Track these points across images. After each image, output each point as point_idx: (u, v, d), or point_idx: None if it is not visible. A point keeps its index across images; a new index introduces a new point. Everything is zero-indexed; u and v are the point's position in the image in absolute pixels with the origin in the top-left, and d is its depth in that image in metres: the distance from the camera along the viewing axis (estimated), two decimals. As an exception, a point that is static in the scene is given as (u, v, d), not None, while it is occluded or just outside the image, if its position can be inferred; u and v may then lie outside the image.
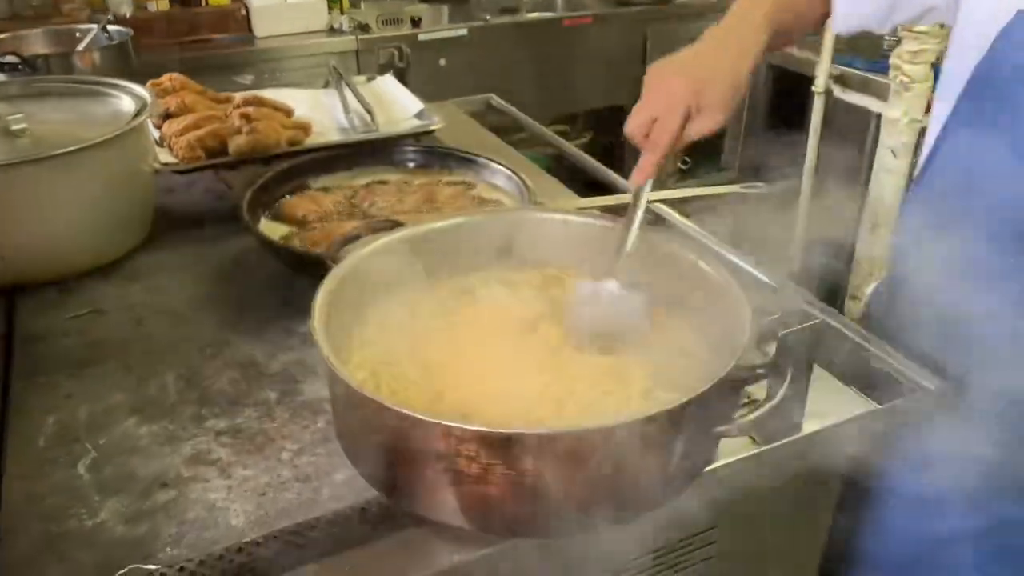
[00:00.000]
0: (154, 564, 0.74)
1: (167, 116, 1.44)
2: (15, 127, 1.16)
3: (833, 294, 2.58)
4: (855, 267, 2.20)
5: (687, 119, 0.89)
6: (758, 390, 0.83)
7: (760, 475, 0.89)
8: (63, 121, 1.24)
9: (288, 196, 1.31)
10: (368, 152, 1.43)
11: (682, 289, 0.92)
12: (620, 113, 2.88)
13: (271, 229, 1.22)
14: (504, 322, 0.91)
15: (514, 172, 1.32)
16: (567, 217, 1.03)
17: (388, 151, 1.44)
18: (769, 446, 0.88)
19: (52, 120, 1.23)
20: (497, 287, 0.97)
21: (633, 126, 0.90)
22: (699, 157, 3.97)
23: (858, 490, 1.07)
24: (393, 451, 0.75)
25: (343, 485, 0.82)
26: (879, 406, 0.94)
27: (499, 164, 1.36)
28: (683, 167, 3.96)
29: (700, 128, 0.90)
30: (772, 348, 0.82)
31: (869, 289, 2.10)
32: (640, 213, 0.90)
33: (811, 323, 0.81)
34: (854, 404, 0.94)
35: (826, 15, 1.07)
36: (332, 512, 0.79)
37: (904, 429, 0.95)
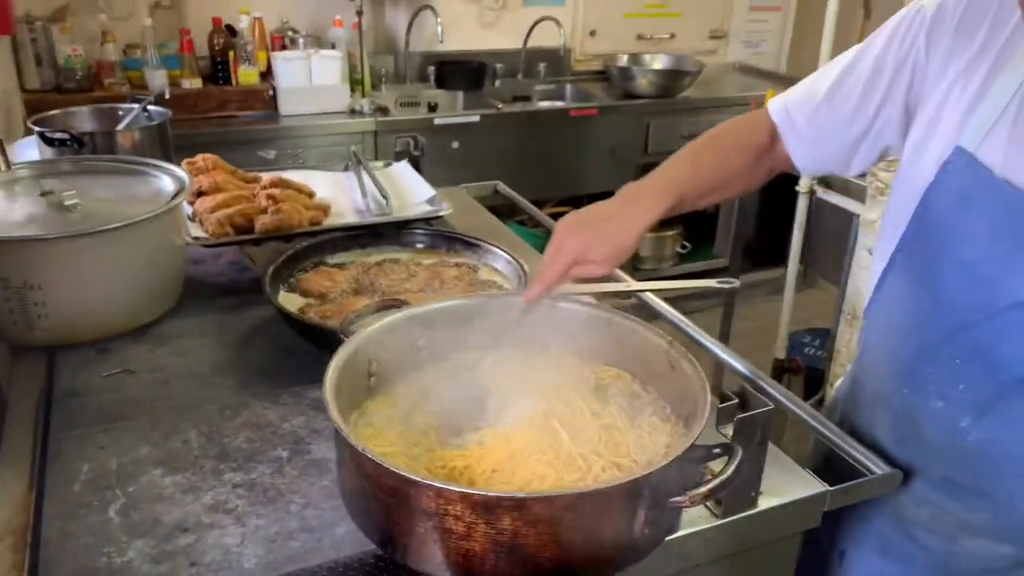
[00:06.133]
0: (174, 599, 0.84)
1: (199, 193, 1.58)
2: (68, 202, 1.29)
3: (819, 382, 2.68)
4: (835, 356, 2.31)
5: (571, 266, 1.05)
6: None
7: (720, 545, 0.99)
8: (110, 198, 1.38)
9: (305, 271, 1.44)
10: (382, 233, 1.57)
11: (658, 370, 1.05)
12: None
13: (289, 301, 1.35)
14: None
15: (513, 257, 1.45)
16: (555, 304, 1.15)
17: (400, 233, 1.57)
18: (727, 519, 0.98)
19: (100, 197, 1.37)
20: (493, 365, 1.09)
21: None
22: (698, 243, 4.15)
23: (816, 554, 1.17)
24: (387, 507, 0.86)
25: (343, 538, 0.92)
26: (828, 488, 1.04)
27: (500, 249, 1.49)
28: (682, 251, 4.12)
29: (581, 272, 1.06)
30: (730, 430, 0.93)
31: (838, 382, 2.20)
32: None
33: (765, 409, 0.93)
34: (807, 485, 1.04)
35: (772, 170, 1.21)
36: (332, 560, 0.89)
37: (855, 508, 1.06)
